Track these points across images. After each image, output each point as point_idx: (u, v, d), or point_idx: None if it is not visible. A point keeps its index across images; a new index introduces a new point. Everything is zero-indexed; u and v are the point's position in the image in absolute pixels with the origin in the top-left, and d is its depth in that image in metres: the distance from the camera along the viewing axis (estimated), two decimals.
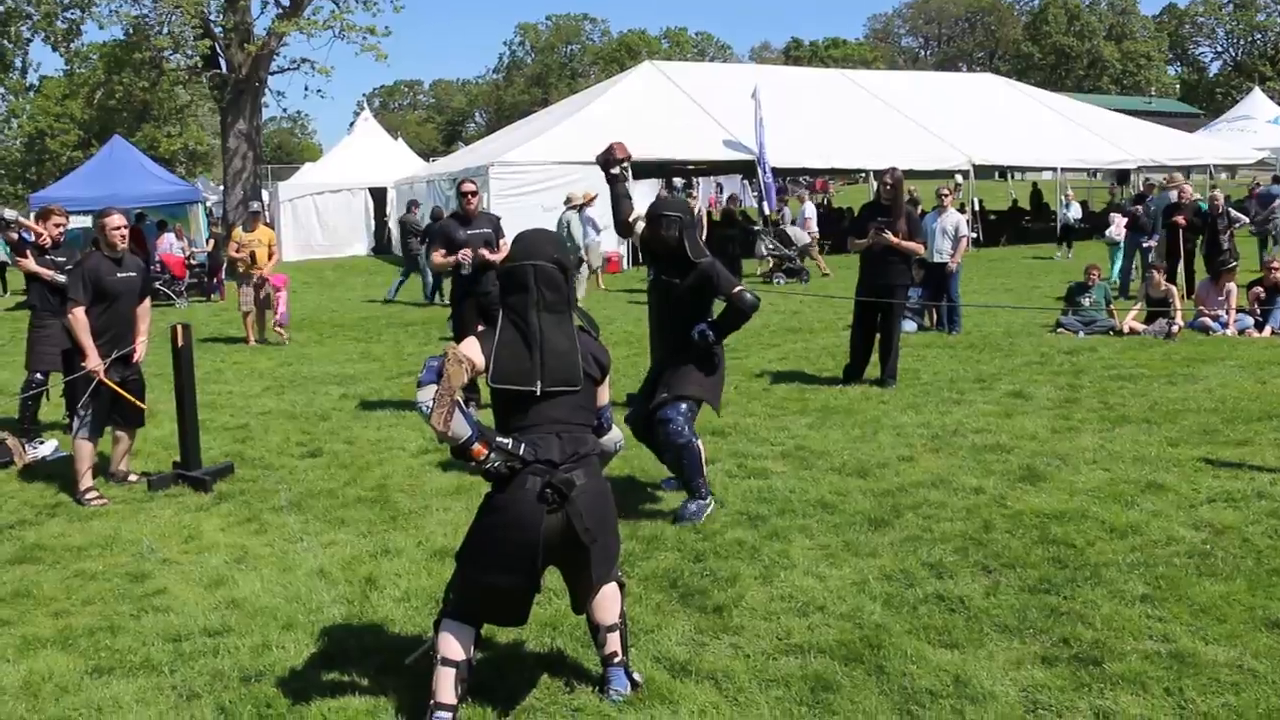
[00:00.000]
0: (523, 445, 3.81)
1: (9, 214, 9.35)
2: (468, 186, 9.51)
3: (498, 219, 9.76)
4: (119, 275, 7.36)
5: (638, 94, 27.23)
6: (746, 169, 27.05)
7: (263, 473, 7.82)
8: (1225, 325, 12.46)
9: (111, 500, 7.26)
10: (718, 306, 6.55)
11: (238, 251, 14.90)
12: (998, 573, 5.25)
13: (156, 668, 4.62)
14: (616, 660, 4.15)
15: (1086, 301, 13.14)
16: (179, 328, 7.60)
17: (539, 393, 3.87)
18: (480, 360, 3.87)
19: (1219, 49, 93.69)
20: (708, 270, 6.37)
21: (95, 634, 5.02)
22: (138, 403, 7.52)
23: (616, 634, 4.17)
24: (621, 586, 4.29)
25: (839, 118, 27.36)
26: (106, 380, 7.22)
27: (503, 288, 4.03)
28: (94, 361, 7.15)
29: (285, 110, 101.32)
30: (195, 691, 4.38)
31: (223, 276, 22.27)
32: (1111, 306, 13.16)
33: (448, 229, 9.52)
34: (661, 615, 4.92)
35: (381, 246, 33.93)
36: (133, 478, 7.72)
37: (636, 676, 4.19)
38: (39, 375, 9.11)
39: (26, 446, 8.64)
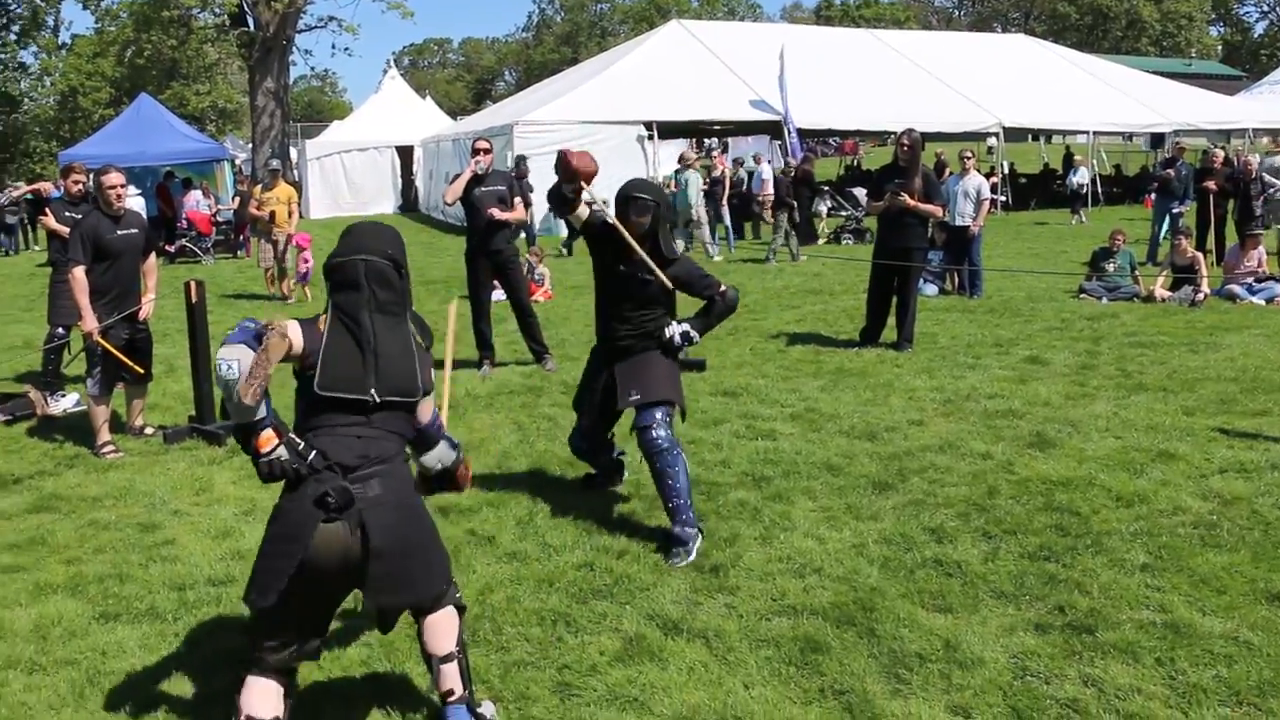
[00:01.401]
0: (313, 450, 3.36)
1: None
2: (480, 145, 9.50)
3: (512, 177, 9.75)
4: (119, 233, 7.35)
5: (664, 53, 27.04)
6: (773, 129, 26.82)
7: None
8: (1254, 292, 12.30)
9: (128, 453, 7.36)
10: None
11: (258, 209, 14.98)
12: (998, 539, 5.24)
13: (161, 615, 4.72)
14: (454, 698, 3.58)
15: (1111, 267, 12.99)
16: (192, 283, 7.67)
17: (376, 402, 3.45)
18: (300, 344, 3.44)
19: (1265, 8, 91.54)
20: (687, 273, 5.47)
21: (104, 581, 5.13)
22: (135, 367, 7.52)
23: (454, 665, 3.58)
24: (460, 610, 3.71)
25: (867, 78, 27.06)
26: (103, 342, 7.25)
27: (331, 284, 3.58)
28: (90, 324, 7.19)
29: (313, 68, 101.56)
30: (197, 639, 4.47)
31: (248, 233, 22.38)
32: (1137, 273, 13.00)
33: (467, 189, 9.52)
34: (658, 574, 4.95)
35: (408, 204, 33.99)
36: (149, 430, 7.81)
37: (484, 711, 3.69)
38: (60, 329, 9.22)
39: (48, 399, 8.76)
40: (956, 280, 13.58)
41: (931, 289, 13.16)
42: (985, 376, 8.64)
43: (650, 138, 24.02)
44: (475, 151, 9.48)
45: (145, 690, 4.08)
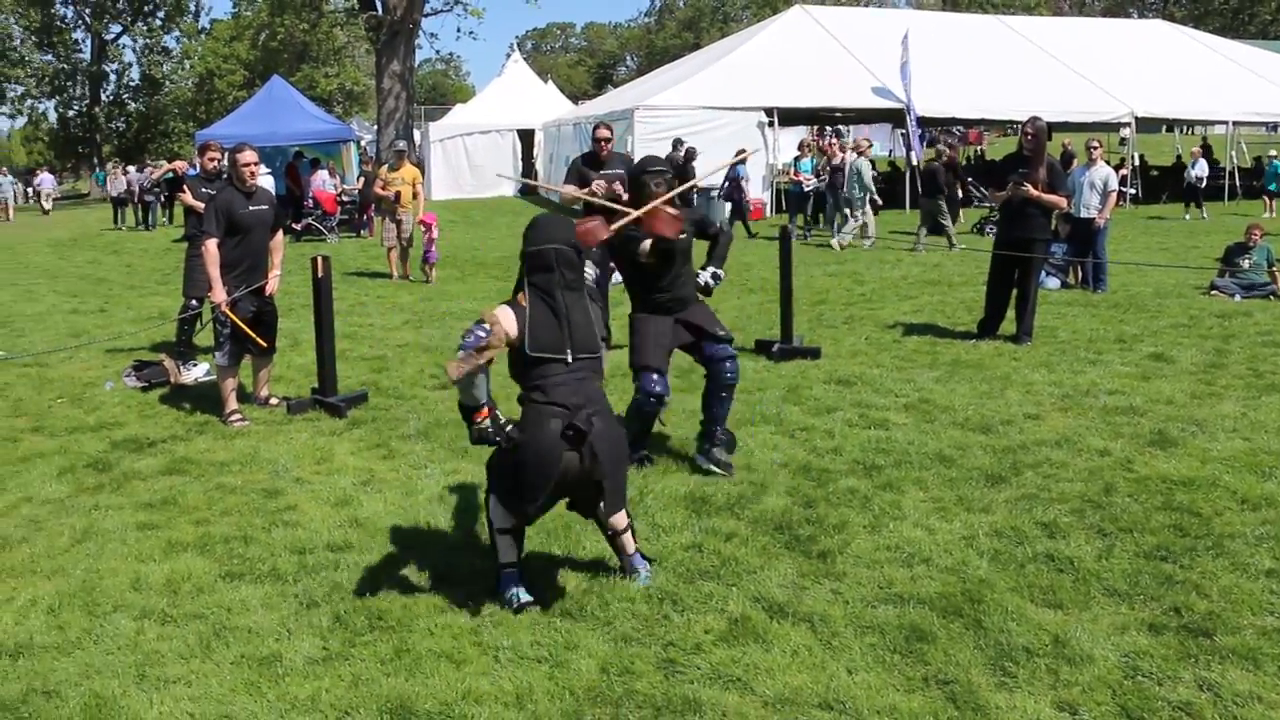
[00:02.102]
0: (509, 426, 4.33)
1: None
2: (601, 132, 9.61)
3: (630, 161, 9.82)
4: (250, 208, 7.61)
5: (786, 39, 26.86)
6: (895, 117, 26.46)
7: (395, 402, 8.12)
8: None
9: (253, 422, 7.65)
10: None
11: (383, 189, 15.33)
12: (1113, 536, 5.13)
13: (282, 576, 4.93)
14: (632, 551, 4.75)
15: (1246, 263, 12.51)
16: (319, 259, 7.91)
17: (570, 360, 4.38)
18: (514, 331, 4.34)
19: None
20: (702, 215, 6.93)
21: (230, 542, 5.37)
22: (259, 339, 7.76)
23: (630, 533, 4.75)
24: (630, 524, 4.77)
25: (993, 66, 26.46)
26: (230, 314, 7.51)
27: (529, 268, 4.46)
28: (219, 295, 7.45)
29: (438, 52, 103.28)
30: (315, 600, 4.65)
31: (372, 213, 22.94)
32: (1275, 269, 12.48)
33: (580, 170, 9.62)
34: (766, 557, 4.98)
35: (528, 187, 34.39)
36: (274, 401, 8.10)
37: (648, 556, 4.90)
38: (193, 301, 9.61)
39: (181, 368, 9.14)
40: (1079, 274, 13.24)
41: (1053, 282, 12.86)
42: (1106, 372, 8.43)
43: (770, 124, 23.90)
44: (596, 139, 9.59)
45: (266, 646, 4.26)
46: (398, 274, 15.42)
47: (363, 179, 24.73)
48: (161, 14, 56.73)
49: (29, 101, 55.36)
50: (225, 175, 8.97)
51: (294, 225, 22.81)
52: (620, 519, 4.67)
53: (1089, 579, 4.65)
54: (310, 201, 22.78)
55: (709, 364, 6.36)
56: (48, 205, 40.88)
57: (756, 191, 23.61)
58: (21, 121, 58.95)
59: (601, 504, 4.56)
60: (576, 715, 3.70)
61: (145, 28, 56.57)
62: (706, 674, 3.95)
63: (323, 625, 4.41)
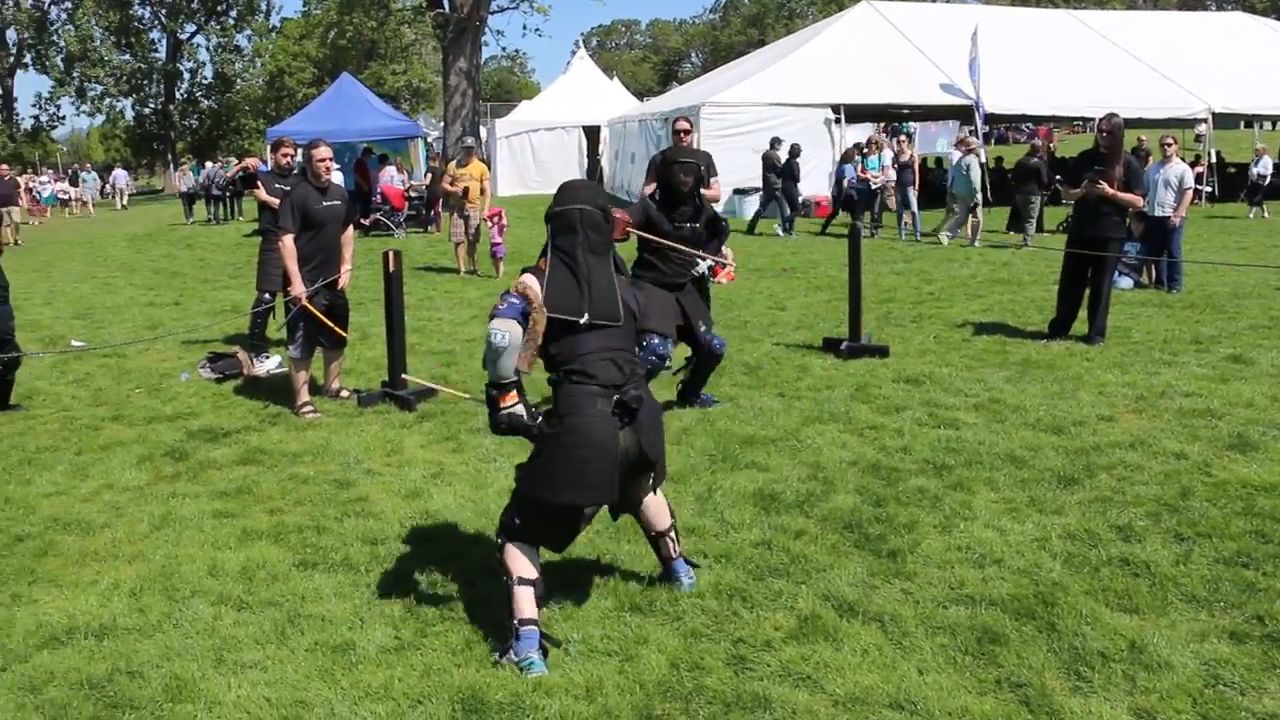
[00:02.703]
0: (540, 417, 4.12)
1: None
2: (681, 125, 9.61)
3: (708, 156, 9.81)
4: (324, 204, 7.73)
5: (853, 35, 26.64)
6: (962, 114, 26.11)
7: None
8: None
9: (325, 414, 7.76)
10: None
11: (451, 185, 15.47)
12: (1191, 541, 5.03)
13: (355, 566, 5.00)
14: (675, 556, 4.58)
15: None
16: (390, 254, 8.00)
17: (584, 323, 4.09)
18: (540, 294, 4.09)
19: None
20: (714, 214, 7.39)
21: (304, 531, 5.46)
22: (338, 330, 7.91)
23: (673, 534, 4.57)
24: (673, 525, 4.62)
25: (1064, 61, 26.01)
26: (310, 306, 7.64)
27: (553, 229, 4.24)
28: (299, 288, 7.58)
29: (504, 49, 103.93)
30: (387, 591, 4.71)
31: (439, 209, 23.15)
32: None
33: (659, 165, 9.62)
34: (835, 555, 4.95)
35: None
36: (344, 394, 8.21)
37: (693, 561, 4.73)
38: (267, 294, 9.78)
39: (254, 360, 9.30)
40: (1154, 273, 12.99)
41: (1127, 281, 12.63)
42: (1182, 374, 8.27)
43: (837, 121, 23.75)
44: (676, 132, 9.60)
45: (339, 634, 4.33)
46: (465, 269, 15.56)
47: (430, 175, 24.98)
48: (234, 13, 57.74)
49: (107, 100, 56.69)
50: (298, 170, 9.12)
51: (362, 221, 23.09)
52: (663, 518, 4.54)
53: (1166, 584, 4.57)
54: (378, 197, 23.04)
55: (704, 353, 7.24)
56: (124, 200, 41.84)
57: (823, 189, 23.47)
58: (100, 119, 60.32)
59: (644, 497, 4.45)
60: (646, 709, 3.71)
61: (218, 27, 57.63)
62: (776, 671, 3.94)
63: (395, 615, 4.47)
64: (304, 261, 7.67)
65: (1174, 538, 5.08)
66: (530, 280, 4.11)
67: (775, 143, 20.61)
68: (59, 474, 6.66)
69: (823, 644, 4.12)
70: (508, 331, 3.94)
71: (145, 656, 4.20)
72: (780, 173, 20.19)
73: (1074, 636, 4.13)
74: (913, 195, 19.44)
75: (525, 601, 4.03)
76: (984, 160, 20.91)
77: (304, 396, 7.85)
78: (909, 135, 27.22)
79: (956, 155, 18.56)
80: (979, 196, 18.13)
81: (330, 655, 4.16)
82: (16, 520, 5.83)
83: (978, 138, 23.30)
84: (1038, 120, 36.66)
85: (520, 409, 4.06)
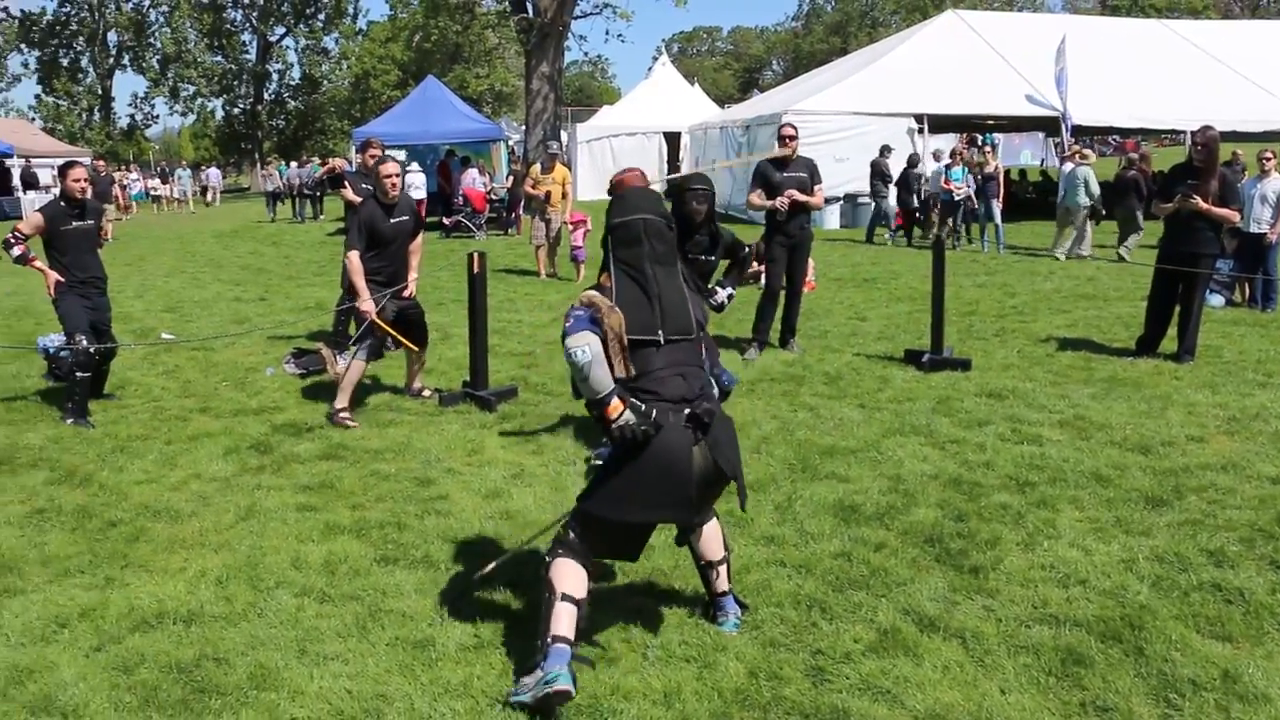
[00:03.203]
0: (654, 411, 3.79)
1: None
2: (787, 130, 9.63)
3: (813, 163, 9.79)
4: (392, 221, 7.70)
5: (938, 44, 26.32)
6: (1047, 126, 25.68)
7: (544, 398, 8.25)
8: None
9: (406, 413, 7.85)
10: None
11: (534, 189, 15.59)
12: None
13: (435, 564, 5.06)
14: (724, 591, 4.33)
15: None
16: (475, 255, 8.07)
17: (663, 342, 3.87)
18: (604, 299, 3.88)
19: None
20: (733, 238, 6.84)
21: (385, 527, 5.54)
22: (408, 343, 7.95)
23: (725, 567, 4.33)
24: (726, 557, 4.39)
25: (1155, 72, 25.41)
26: (379, 322, 7.63)
27: (615, 242, 4.00)
28: (366, 304, 7.56)
29: (586, 54, 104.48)
30: (466, 589, 4.74)
31: (520, 212, 23.34)
32: None
33: (765, 171, 9.63)
34: (916, 570, 4.90)
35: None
36: (426, 393, 8.29)
37: (743, 600, 4.45)
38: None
39: (337, 357, 9.43)
40: (1248, 291, 12.65)
41: (1218, 299, 12.32)
42: (1277, 396, 8.04)
43: (920, 130, 23.50)
44: (782, 138, 9.60)
45: (419, 630, 4.38)
46: (545, 272, 15.68)
47: (512, 178, 25.20)
48: (322, 16, 58.91)
49: (199, 100, 58.24)
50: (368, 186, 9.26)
51: (443, 222, 23.40)
52: (717, 548, 4.30)
53: (1261, 613, 4.44)
54: (460, 199, 23.29)
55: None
56: (216, 198, 42.87)
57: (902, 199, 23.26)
58: (191, 119, 61.95)
59: (706, 522, 4.25)
60: (724, 717, 3.70)
61: (306, 29, 58.91)
62: (855, 684, 3.90)
63: (474, 614, 4.51)
64: (371, 275, 7.66)
65: (1270, 565, 4.93)
66: (592, 292, 3.90)
67: (885, 150, 20.64)
68: (149, 462, 6.83)
69: (903, 658, 4.08)
70: (586, 344, 3.70)
71: (231, 644, 4.29)
72: (887, 181, 20.25)
73: (1163, 662, 4.03)
74: (996, 207, 19.16)
75: (565, 618, 3.79)
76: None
77: (344, 401, 7.75)
78: (993, 146, 26.81)
79: (1068, 167, 18.15)
80: (1088, 209, 17.68)
81: (410, 651, 4.21)
82: (110, 506, 6.00)
83: (1065, 149, 22.91)
84: (1126, 133, 35.88)
85: (630, 415, 3.75)
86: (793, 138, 9.60)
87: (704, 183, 6.48)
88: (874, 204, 20.98)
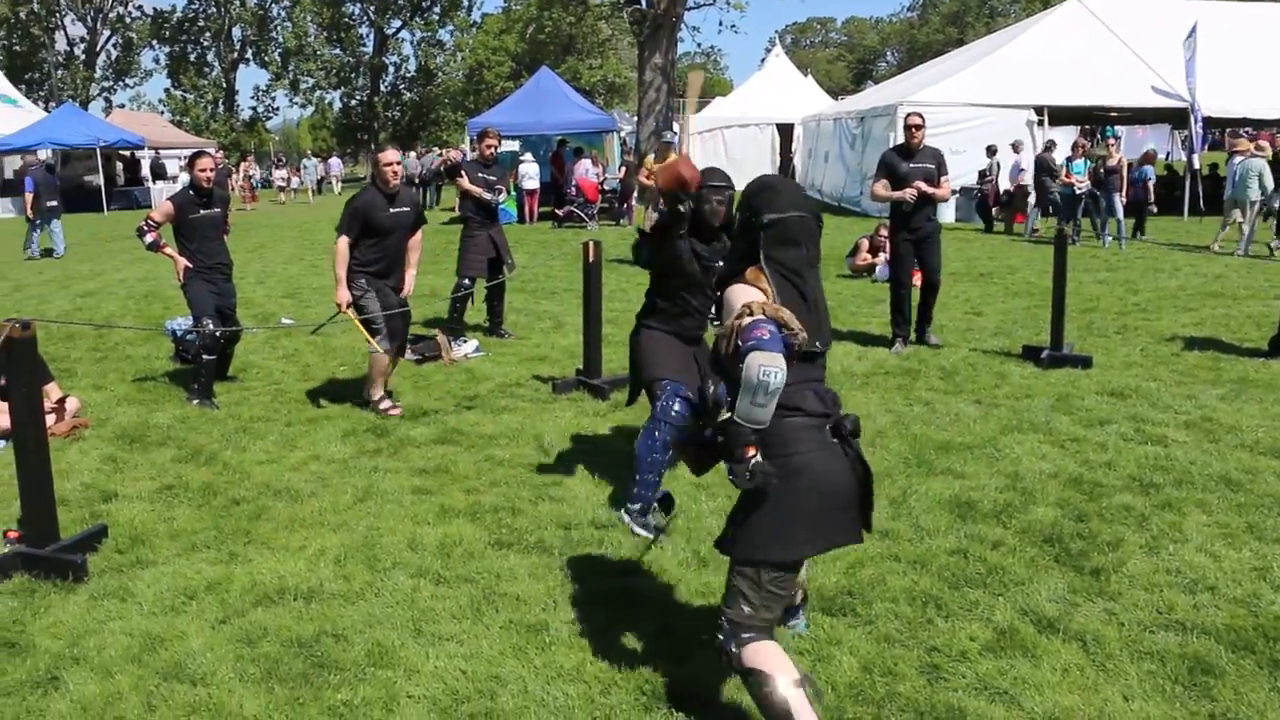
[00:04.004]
0: (796, 450, 3.31)
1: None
2: (914, 120, 9.47)
3: (940, 154, 9.59)
4: (391, 211, 7.47)
5: (1060, 34, 25.59)
6: (1176, 118, 24.79)
7: None
8: None
9: (520, 399, 7.92)
10: None
11: (648, 179, 15.60)
12: None
13: (548, 549, 5.10)
14: (799, 601, 3.93)
15: None
16: (590, 244, 8.13)
17: (822, 353, 3.45)
18: (790, 318, 3.33)
19: None
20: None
21: (499, 512, 5.61)
22: (371, 340, 7.52)
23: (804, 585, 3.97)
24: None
25: None
26: (350, 314, 7.42)
27: (770, 240, 3.42)
28: (342, 295, 7.39)
29: (699, 45, 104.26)
30: (580, 575, 4.78)
31: (632, 202, 23.42)
32: None
33: (890, 161, 9.51)
34: (1034, 569, 4.78)
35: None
36: (385, 405, 7.75)
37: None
38: (466, 280, 10.08)
39: (453, 344, 9.60)
40: None
41: None
42: None
43: (1040, 123, 22.93)
44: (908, 127, 9.47)
45: (533, 614, 4.43)
46: None
47: (624, 168, 25.29)
48: (438, 8, 59.88)
49: (318, 92, 59.80)
50: (498, 161, 9.34)
51: (556, 211, 23.62)
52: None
53: None
54: (573, 189, 23.47)
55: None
56: (337, 187, 43.99)
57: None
58: (310, 111, 63.55)
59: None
60: (838, 712, 3.66)
61: (422, 22, 59.90)
62: (971, 683, 3.83)
63: (586, 600, 4.54)
64: (365, 265, 7.45)
65: None
66: (775, 306, 3.30)
67: (1050, 145, 20.28)
68: (270, 443, 7.03)
69: (1020, 659, 3.98)
70: (780, 369, 3.10)
71: (349, 621, 4.39)
72: (1053, 175, 19.79)
73: None
74: (1118, 201, 18.59)
75: (805, 711, 3.19)
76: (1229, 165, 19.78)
77: (379, 392, 7.67)
78: (1116, 139, 25.97)
79: (1237, 159, 17.43)
80: (1259, 204, 17.00)
81: (524, 634, 4.26)
82: (234, 484, 6.19)
83: (1197, 143, 22.14)
84: (1260, 125, 34.50)
85: (760, 457, 3.22)
86: (919, 127, 9.42)
87: (723, 179, 5.64)
88: (1037, 197, 20.30)
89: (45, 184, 20.12)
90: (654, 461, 5.22)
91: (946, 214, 21.32)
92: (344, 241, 7.38)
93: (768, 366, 3.08)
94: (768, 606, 3.36)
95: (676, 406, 5.23)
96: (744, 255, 3.50)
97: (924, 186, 9.21)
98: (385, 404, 7.67)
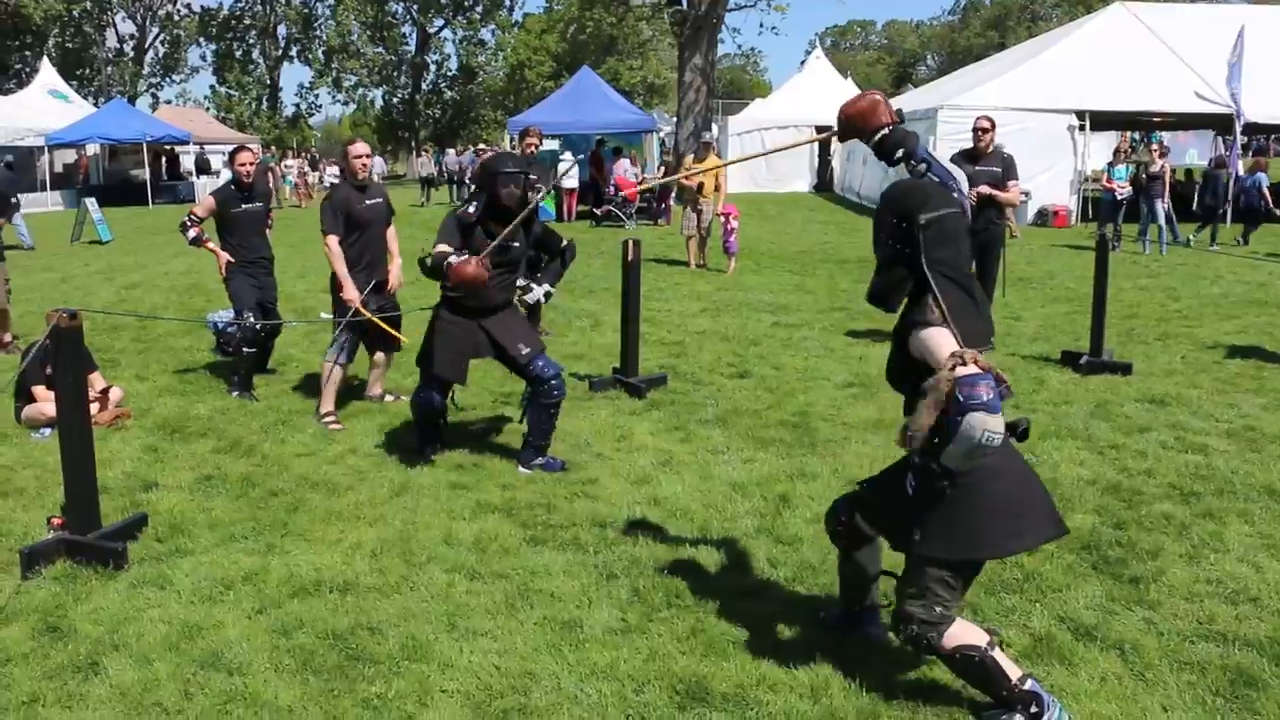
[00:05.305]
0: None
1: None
2: (981, 122, 9.38)
3: (1010, 158, 9.48)
4: (366, 203, 7.40)
5: (1103, 38, 25.31)
6: (1219, 124, 24.45)
7: (693, 387, 8.28)
8: None
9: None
10: None
11: (687, 179, 15.62)
12: None
13: (583, 546, 5.12)
14: (877, 603, 4.15)
15: None
16: (630, 243, 8.13)
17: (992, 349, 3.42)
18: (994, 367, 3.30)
19: None
20: (545, 230, 6.62)
21: (534, 509, 5.63)
22: (398, 335, 7.55)
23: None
24: None
25: None
26: (364, 311, 7.29)
27: (930, 241, 3.37)
28: (350, 293, 7.25)
29: (740, 47, 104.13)
30: (614, 573, 4.80)
31: (670, 202, 23.42)
32: None
33: (956, 164, 9.41)
34: (1072, 576, 4.74)
35: (823, 184, 34.21)
36: (388, 399, 7.93)
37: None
38: None
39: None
40: None
41: None
42: None
43: (1081, 128, 22.72)
44: (975, 130, 9.40)
45: (567, 611, 4.44)
46: (695, 263, 15.71)
47: (663, 169, 25.31)
48: (480, 8, 60.17)
49: (360, 90, 60.29)
50: (537, 160, 9.36)
51: (594, 210, 23.66)
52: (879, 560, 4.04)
53: None
54: (611, 188, 23.51)
55: (533, 382, 6.27)
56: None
57: (1062, 198, 22.58)
58: (352, 108, 64.04)
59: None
60: (872, 713, 3.65)
61: (465, 21, 60.22)
62: None
63: (621, 598, 4.55)
64: (352, 264, 7.35)
65: None
66: (989, 363, 3.22)
67: (1165, 150, 20.22)
68: (308, 436, 7.08)
69: (1057, 666, 3.95)
70: (1000, 434, 3.12)
71: (384, 615, 4.42)
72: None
73: None
74: (1160, 207, 18.37)
75: (1008, 662, 3.50)
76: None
77: (330, 405, 7.42)
78: (1159, 144, 25.71)
79: None
80: None
81: (558, 631, 4.27)
82: (272, 476, 6.24)
83: (1235, 148, 21.85)
84: None
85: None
86: (987, 130, 9.34)
87: (516, 164, 6.00)
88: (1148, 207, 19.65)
89: (6, 181, 20.33)
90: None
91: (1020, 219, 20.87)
92: (334, 239, 7.26)
93: (992, 433, 3.10)
94: (957, 597, 3.54)
95: (435, 405, 6.32)
96: (901, 260, 3.46)
97: (986, 189, 9.12)
98: (330, 419, 7.37)
